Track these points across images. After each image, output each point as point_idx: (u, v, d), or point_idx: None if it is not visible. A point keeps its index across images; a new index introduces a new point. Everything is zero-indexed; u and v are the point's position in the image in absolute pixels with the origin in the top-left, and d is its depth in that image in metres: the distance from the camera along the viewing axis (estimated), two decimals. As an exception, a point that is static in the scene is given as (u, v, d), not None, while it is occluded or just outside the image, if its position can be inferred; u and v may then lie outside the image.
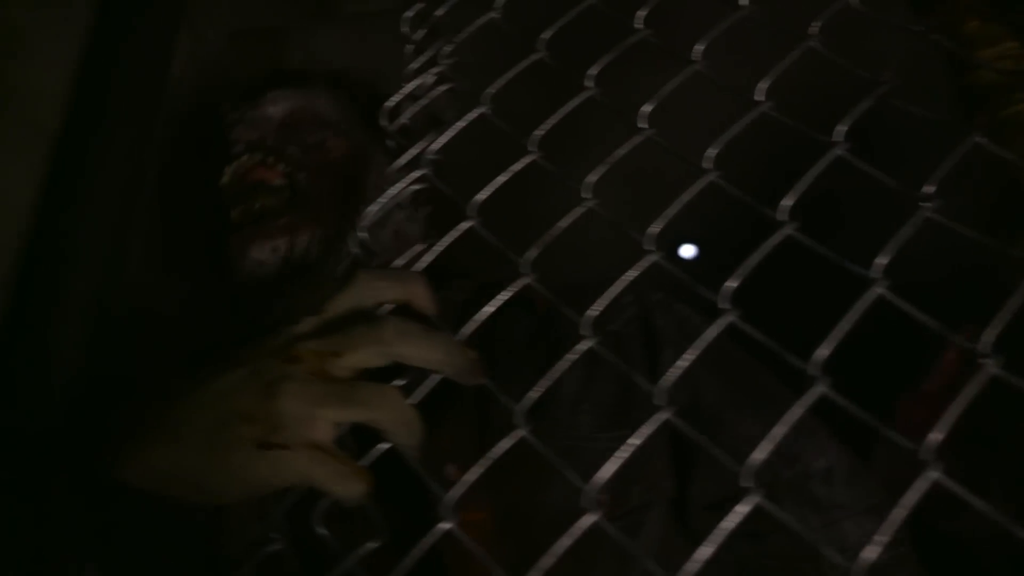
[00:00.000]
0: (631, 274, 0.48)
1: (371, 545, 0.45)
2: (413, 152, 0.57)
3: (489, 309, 0.48)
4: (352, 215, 0.76)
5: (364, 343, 0.44)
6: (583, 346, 0.47)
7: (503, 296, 0.49)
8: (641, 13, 0.58)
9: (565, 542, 0.41)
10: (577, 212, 0.51)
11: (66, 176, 0.70)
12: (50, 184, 0.70)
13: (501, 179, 0.54)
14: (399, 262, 0.52)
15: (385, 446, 0.46)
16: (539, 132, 0.55)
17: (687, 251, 2.33)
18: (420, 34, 0.64)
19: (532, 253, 0.50)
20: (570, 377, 0.67)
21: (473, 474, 0.44)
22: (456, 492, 0.44)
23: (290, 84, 0.87)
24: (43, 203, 0.69)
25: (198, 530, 0.45)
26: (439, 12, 0.64)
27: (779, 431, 0.40)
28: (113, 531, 0.42)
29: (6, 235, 0.67)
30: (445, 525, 0.44)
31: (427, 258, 0.51)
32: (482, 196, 0.53)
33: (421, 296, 0.48)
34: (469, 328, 0.48)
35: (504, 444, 0.45)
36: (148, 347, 0.67)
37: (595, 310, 0.47)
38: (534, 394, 0.46)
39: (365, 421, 0.43)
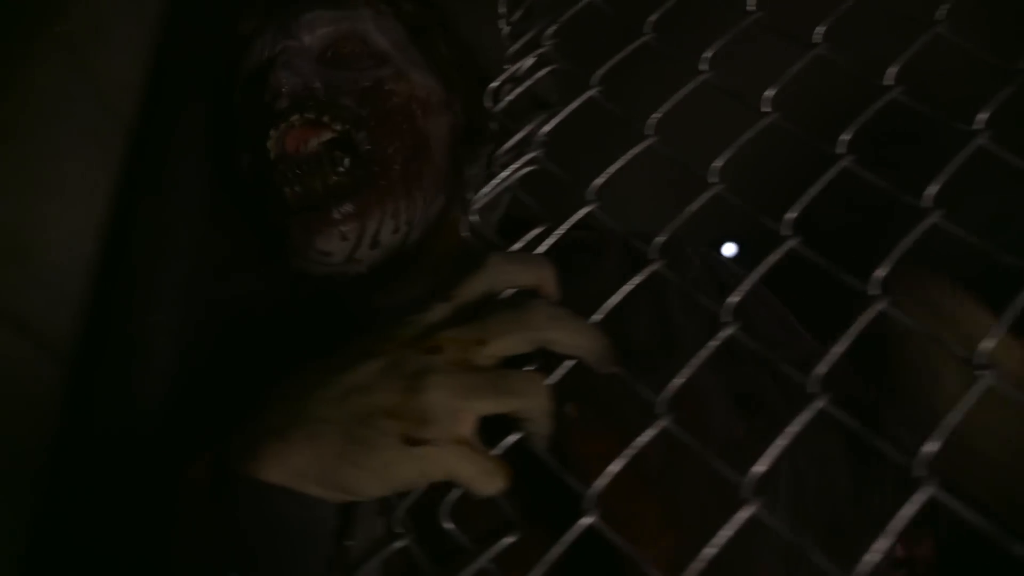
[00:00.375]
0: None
1: (507, 540, 0.43)
2: (521, 134, 0.55)
3: (628, 287, 0.46)
4: (420, 180, 0.65)
5: (513, 329, 0.42)
6: (724, 333, 0.45)
7: (634, 280, 0.47)
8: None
9: (726, 533, 0.39)
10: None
11: (146, 162, 0.68)
12: (129, 169, 0.69)
13: (620, 163, 0.52)
14: (517, 245, 0.50)
15: (515, 437, 0.45)
16: (656, 116, 0.53)
17: (728, 249, 2.33)
18: (517, 14, 0.63)
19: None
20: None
21: (617, 465, 0.42)
22: (599, 485, 0.42)
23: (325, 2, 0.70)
24: (122, 190, 0.68)
25: (330, 527, 0.43)
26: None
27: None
28: (252, 530, 0.40)
29: (86, 222, 0.65)
30: (588, 519, 0.42)
31: (549, 241, 0.50)
32: (599, 181, 0.52)
33: (550, 281, 0.46)
34: (612, 303, 0.46)
35: (647, 435, 0.43)
36: (225, 338, 0.65)
37: (735, 298, 0.45)
38: (677, 382, 0.44)
39: (514, 411, 0.41)
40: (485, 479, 0.41)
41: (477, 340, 0.41)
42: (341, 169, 0.62)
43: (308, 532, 0.41)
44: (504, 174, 0.54)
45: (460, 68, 0.69)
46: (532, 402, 0.41)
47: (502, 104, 0.58)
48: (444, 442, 0.40)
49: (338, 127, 0.63)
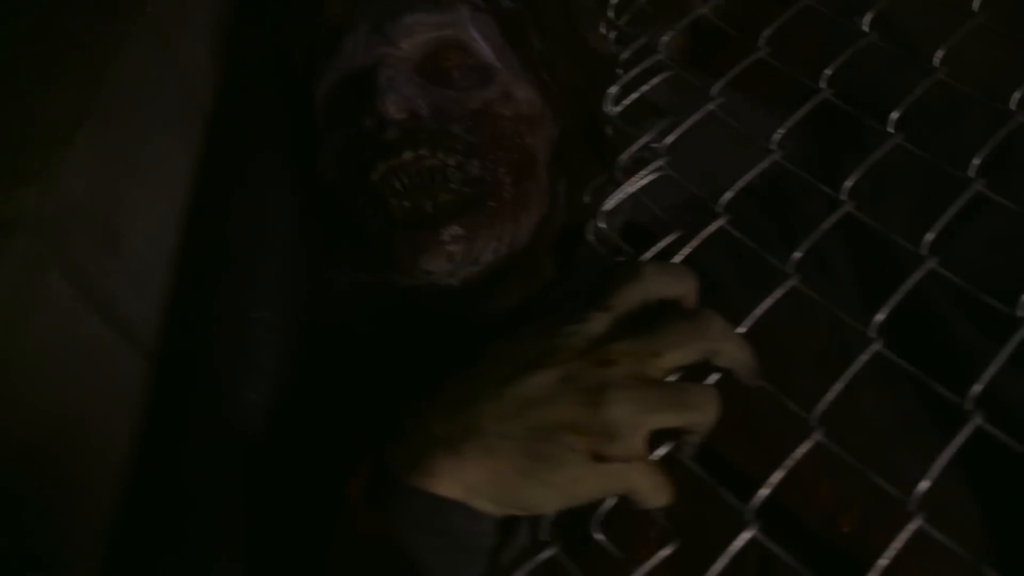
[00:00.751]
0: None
1: (664, 552, 0.43)
2: (642, 141, 0.55)
3: (769, 301, 0.46)
4: (527, 200, 0.62)
5: (689, 340, 0.41)
6: (875, 347, 0.45)
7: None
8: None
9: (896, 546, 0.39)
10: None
11: (227, 151, 0.66)
12: (206, 156, 0.66)
13: (748, 177, 0.52)
14: (650, 253, 0.50)
15: (667, 447, 0.44)
16: (780, 132, 0.54)
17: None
18: (624, 18, 0.62)
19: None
20: None
21: (776, 476, 0.42)
22: (756, 501, 0.42)
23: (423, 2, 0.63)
24: (200, 178, 0.65)
25: (494, 542, 0.42)
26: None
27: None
28: (426, 544, 0.39)
29: (168, 209, 0.63)
30: (748, 533, 0.42)
31: (685, 251, 0.50)
32: (728, 196, 0.52)
33: (694, 292, 0.46)
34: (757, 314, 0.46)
35: (802, 449, 0.43)
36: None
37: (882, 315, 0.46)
38: (830, 396, 0.44)
39: (690, 425, 0.41)
40: (658, 493, 0.41)
41: (652, 353, 0.41)
42: (452, 186, 0.59)
43: (477, 547, 0.41)
44: (632, 181, 0.53)
45: (554, 69, 0.65)
46: (708, 416, 0.41)
47: (618, 109, 0.57)
48: (632, 458, 0.39)
49: (451, 162, 0.59)
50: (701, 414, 0.41)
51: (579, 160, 0.64)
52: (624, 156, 0.55)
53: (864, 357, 0.45)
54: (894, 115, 0.53)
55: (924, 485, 0.41)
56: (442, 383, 0.44)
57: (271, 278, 0.59)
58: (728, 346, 0.42)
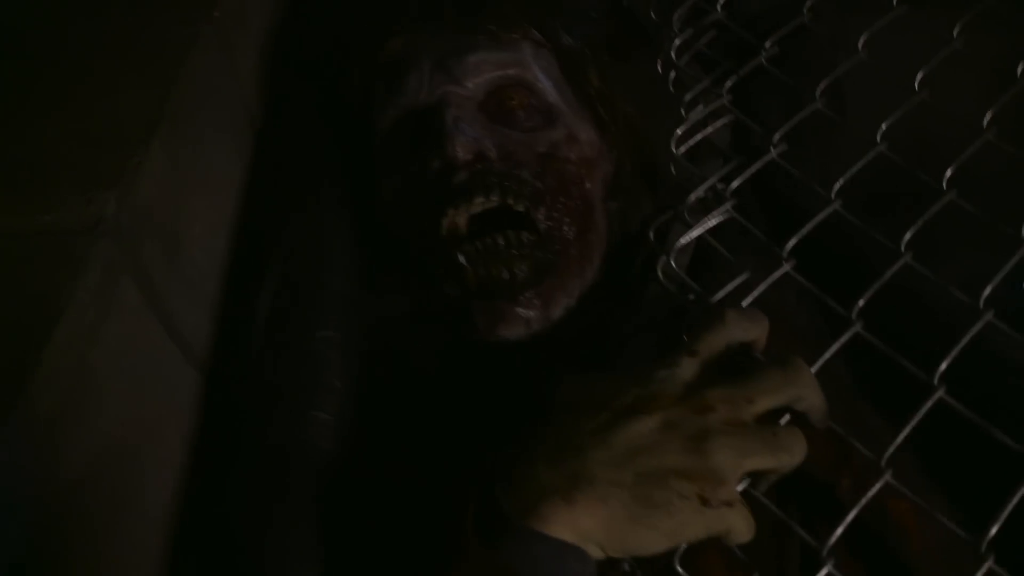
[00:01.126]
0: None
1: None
2: (709, 183, 0.57)
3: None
4: (591, 253, 0.62)
5: (782, 388, 0.43)
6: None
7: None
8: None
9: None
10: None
11: (280, 165, 0.66)
12: (255, 167, 0.66)
13: (811, 225, 0.55)
14: (722, 293, 0.52)
15: (744, 484, 0.46)
16: (839, 184, 0.56)
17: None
18: (684, 60, 0.64)
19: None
20: None
21: (851, 515, 0.44)
22: (832, 539, 0.44)
23: (482, 27, 0.63)
24: (251, 190, 0.65)
25: None
26: (703, 42, 0.65)
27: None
28: None
29: (221, 219, 0.62)
30: (825, 569, 0.43)
31: (755, 293, 0.51)
32: (792, 242, 0.54)
33: (765, 335, 0.48)
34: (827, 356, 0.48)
35: (874, 489, 0.45)
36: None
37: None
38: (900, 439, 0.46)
39: (781, 468, 0.43)
40: (749, 531, 0.42)
41: (747, 399, 0.43)
42: (524, 248, 0.58)
43: None
44: (701, 224, 0.55)
45: (611, 105, 0.66)
46: (796, 458, 0.43)
47: (682, 149, 0.59)
48: (733, 501, 0.41)
49: (520, 208, 0.59)
50: (790, 456, 0.43)
51: (632, 194, 0.66)
52: (692, 197, 0.56)
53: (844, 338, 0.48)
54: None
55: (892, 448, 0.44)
56: (535, 423, 0.45)
57: (334, 299, 0.59)
58: (811, 393, 0.44)
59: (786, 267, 0.52)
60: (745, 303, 0.49)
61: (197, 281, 0.59)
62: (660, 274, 0.54)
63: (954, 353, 0.47)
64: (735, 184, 0.57)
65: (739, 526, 0.42)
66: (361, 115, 0.65)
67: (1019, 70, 0.61)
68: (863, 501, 0.44)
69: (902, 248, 0.52)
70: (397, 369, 0.60)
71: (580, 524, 0.40)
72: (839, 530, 0.43)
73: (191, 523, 0.53)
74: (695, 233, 0.55)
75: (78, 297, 0.45)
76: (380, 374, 0.59)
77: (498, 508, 0.41)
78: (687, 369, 0.44)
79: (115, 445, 0.48)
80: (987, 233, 0.53)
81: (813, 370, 0.46)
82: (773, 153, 0.56)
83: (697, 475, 0.41)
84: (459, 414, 0.56)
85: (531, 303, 0.59)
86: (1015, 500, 0.44)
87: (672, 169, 0.60)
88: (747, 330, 0.47)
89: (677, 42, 0.64)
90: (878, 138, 0.57)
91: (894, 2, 0.65)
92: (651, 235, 0.58)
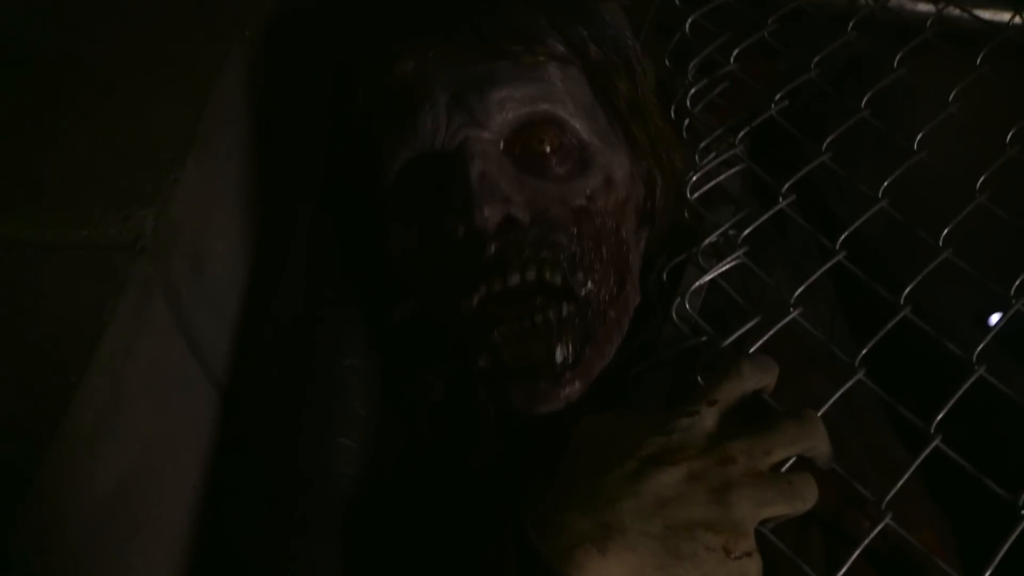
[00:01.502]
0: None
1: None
2: (722, 229, 0.59)
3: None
4: (627, 308, 0.59)
5: (798, 441, 0.46)
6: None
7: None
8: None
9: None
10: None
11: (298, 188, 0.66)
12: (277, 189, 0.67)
13: (819, 272, 0.58)
14: (733, 338, 0.54)
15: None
16: (842, 235, 0.59)
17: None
18: (698, 108, 0.67)
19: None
20: None
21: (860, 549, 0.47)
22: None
23: (502, 48, 0.57)
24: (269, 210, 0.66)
25: None
26: (717, 91, 0.68)
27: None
28: None
29: (241, 236, 0.63)
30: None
31: (765, 336, 0.54)
32: (799, 289, 0.57)
33: (774, 382, 0.51)
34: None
35: (875, 531, 0.48)
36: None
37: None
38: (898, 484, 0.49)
39: (795, 514, 0.45)
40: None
41: (765, 451, 0.46)
42: (564, 322, 0.55)
43: None
44: (712, 270, 0.57)
45: (642, 114, 0.62)
46: (809, 503, 0.46)
47: (696, 195, 0.62)
48: (753, 551, 0.44)
49: (558, 280, 0.55)
50: (803, 503, 0.45)
51: (665, 212, 0.65)
52: (705, 242, 0.59)
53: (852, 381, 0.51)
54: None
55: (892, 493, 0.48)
56: (559, 463, 0.47)
57: (357, 327, 0.59)
58: (821, 443, 0.47)
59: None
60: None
61: (217, 298, 0.59)
62: (674, 316, 0.57)
63: (950, 404, 0.50)
64: (746, 231, 0.60)
65: (755, 572, 0.44)
66: (366, 145, 0.61)
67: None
68: (865, 542, 0.47)
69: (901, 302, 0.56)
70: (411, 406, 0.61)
71: (612, 572, 0.42)
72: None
73: (207, 551, 0.54)
74: (708, 277, 0.57)
75: (118, 315, 0.45)
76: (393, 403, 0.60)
77: (534, 550, 0.43)
78: (707, 419, 0.47)
79: (139, 464, 0.48)
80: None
81: (832, 400, 0.48)
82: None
83: (722, 527, 0.43)
84: (482, 450, 0.58)
85: (571, 382, 0.55)
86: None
87: (685, 213, 0.63)
88: (759, 381, 0.50)
89: (692, 91, 0.67)
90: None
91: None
92: (664, 277, 0.61)
